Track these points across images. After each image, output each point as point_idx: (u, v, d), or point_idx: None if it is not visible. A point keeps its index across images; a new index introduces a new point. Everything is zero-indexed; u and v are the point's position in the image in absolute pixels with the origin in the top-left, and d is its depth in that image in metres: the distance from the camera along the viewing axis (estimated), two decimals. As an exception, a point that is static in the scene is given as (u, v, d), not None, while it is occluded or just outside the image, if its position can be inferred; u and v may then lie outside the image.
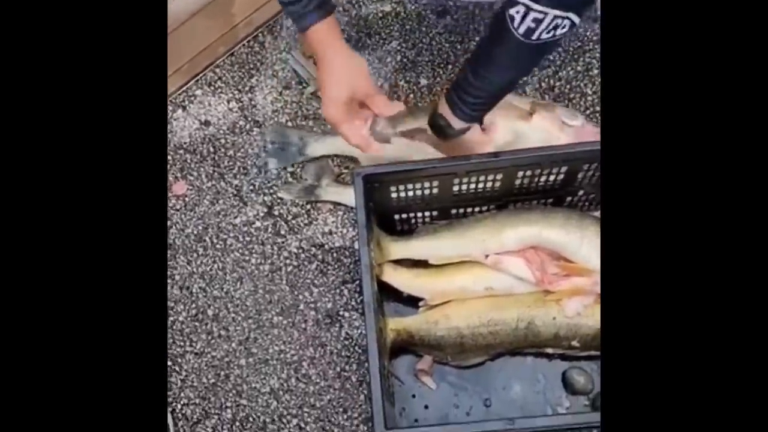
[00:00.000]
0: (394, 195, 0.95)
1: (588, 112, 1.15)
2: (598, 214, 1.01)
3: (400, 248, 1.00)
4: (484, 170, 0.89)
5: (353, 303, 1.07)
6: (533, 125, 1.06)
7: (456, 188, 0.94)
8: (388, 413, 0.78)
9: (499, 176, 0.92)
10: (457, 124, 0.84)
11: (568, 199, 1.00)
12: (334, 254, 1.11)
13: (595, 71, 1.18)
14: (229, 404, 1.02)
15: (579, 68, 1.19)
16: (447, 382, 1.00)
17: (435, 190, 0.94)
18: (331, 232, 1.12)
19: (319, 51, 0.81)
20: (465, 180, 0.92)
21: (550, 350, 0.98)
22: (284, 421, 1.01)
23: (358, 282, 1.08)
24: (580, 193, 0.98)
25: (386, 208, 0.98)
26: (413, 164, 0.88)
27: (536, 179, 0.93)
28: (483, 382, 1.00)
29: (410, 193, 0.94)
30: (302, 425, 1.00)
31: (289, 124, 1.19)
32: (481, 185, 0.93)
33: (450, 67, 1.21)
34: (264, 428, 1.00)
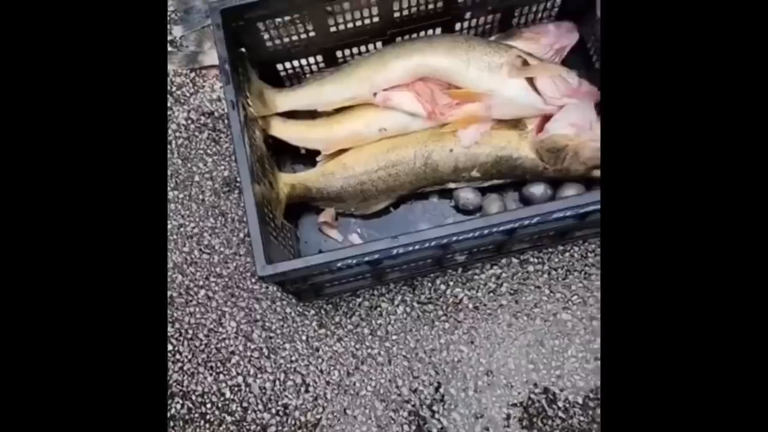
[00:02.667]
0: (266, 37, 0.88)
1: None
2: (491, 38, 0.96)
3: (285, 99, 0.94)
4: (352, -8, 0.82)
5: (250, 168, 1.02)
6: None
7: (332, 22, 0.87)
8: (275, 254, 0.74)
9: (374, 0, 0.85)
10: None
11: (457, 26, 0.95)
12: (225, 121, 1.04)
13: None
14: (132, 284, 0.98)
15: None
16: (353, 232, 0.98)
17: (310, 27, 0.87)
18: (219, 99, 1.05)
19: None
20: (338, 9, 0.85)
21: (452, 185, 0.95)
22: (191, 293, 0.98)
23: (252, 145, 1.02)
24: (467, 15, 0.93)
25: (265, 56, 0.91)
26: (275, -9, 0.80)
27: (416, 1, 0.87)
28: (390, 228, 0.98)
29: (283, 32, 0.87)
30: (210, 294, 0.97)
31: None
32: (357, 14, 0.87)
33: None
34: (171, 302, 0.97)
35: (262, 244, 0.72)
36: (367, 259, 0.73)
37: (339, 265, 0.72)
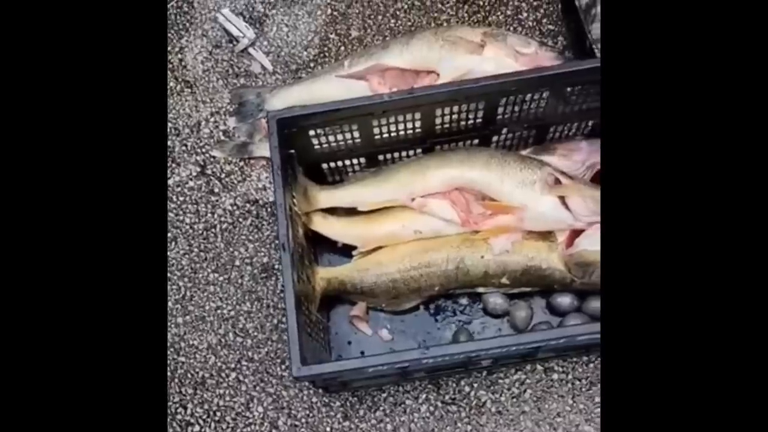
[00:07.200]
0: (315, 142, 0.94)
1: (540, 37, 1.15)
2: (523, 152, 1.01)
3: (328, 197, 1.00)
4: (400, 108, 0.88)
5: (288, 256, 1.07)
6: (485, 57, 1.00)
7: (377, 132, 0.94)
8: (308, 349, 0.78)
9: (418, 115, 0.91)
10: None
11: (494, 139, 1.00)
12: (268, 209, 1.10)
13: (523, 14, 1.18)
14: (167, 361, 1.02)
15: (508, 12, 1.19)
16: (383, 327, 1.01)
17: (356, 135, 0.94)
18: (264, 188, 1.12)
19: None
20: (384, 121, 0.91)
21: (481, 289, 0.98)
22: (223, 375, 1.01)
23: (292, 235, 1.07)
24: (504, 131, 0.98)
25: (311, 157, 0.98)
26: (327, 105, 0.87)
27: (457, 117, 0.93)
28: (418, 325, 1.01)
29: (331, 138, 0.93)
30: (241, 378, 1.01)
31: (241, 83, 1.18)
32: (401, 126, 0.93)
33: (381, 17, 1.20)
34: (203, 383, 1.01)
35: (299, 345, 0.75)
36: (398, 366, 0.76)
37: (371, 371, 0.75)
